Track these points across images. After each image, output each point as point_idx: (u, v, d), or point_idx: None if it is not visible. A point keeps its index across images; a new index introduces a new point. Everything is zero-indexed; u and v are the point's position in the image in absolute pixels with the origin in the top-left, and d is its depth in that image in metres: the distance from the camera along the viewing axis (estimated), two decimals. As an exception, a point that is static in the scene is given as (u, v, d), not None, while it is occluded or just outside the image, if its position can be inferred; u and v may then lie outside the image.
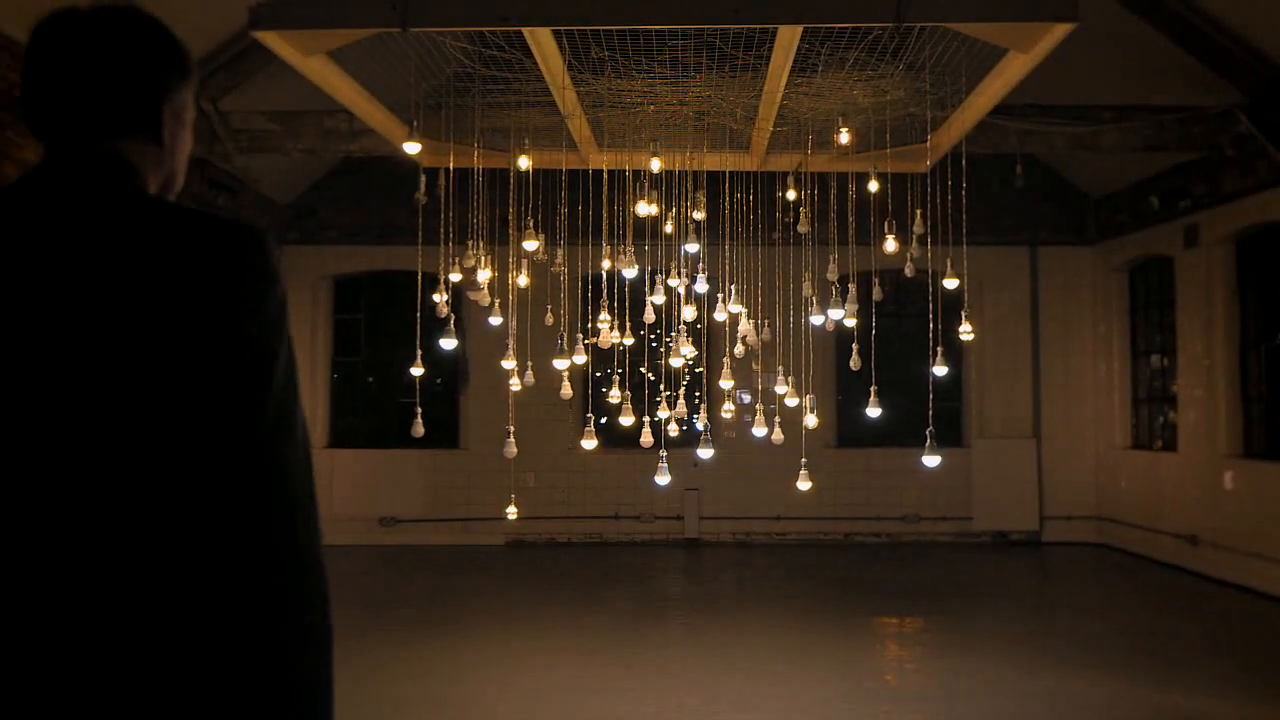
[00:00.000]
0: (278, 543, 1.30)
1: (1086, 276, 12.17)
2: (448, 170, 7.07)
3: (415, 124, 5.07)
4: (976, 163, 6.53)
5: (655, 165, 5.72)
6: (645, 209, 5.20)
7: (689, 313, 6.05)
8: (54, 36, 1.42)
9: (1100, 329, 12.04)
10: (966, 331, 5.76)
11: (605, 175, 7.32)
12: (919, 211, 6.46)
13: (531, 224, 5.48)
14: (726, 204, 7.53)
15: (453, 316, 5.76)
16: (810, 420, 5.88)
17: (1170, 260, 10.67)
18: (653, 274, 6.84)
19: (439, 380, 12.55)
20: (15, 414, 1.27)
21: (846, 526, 12.00)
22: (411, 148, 5.17)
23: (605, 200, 7.15)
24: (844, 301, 5.60)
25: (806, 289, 6.69)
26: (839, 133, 5.48)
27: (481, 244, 7.05)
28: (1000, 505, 11.86)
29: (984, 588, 9.89)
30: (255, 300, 1.34)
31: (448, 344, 5.65)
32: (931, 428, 4.82)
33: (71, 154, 1.40)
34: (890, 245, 5.58)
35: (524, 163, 5.69)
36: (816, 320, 6.46)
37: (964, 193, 6.80)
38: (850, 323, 6.75)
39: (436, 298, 6.08)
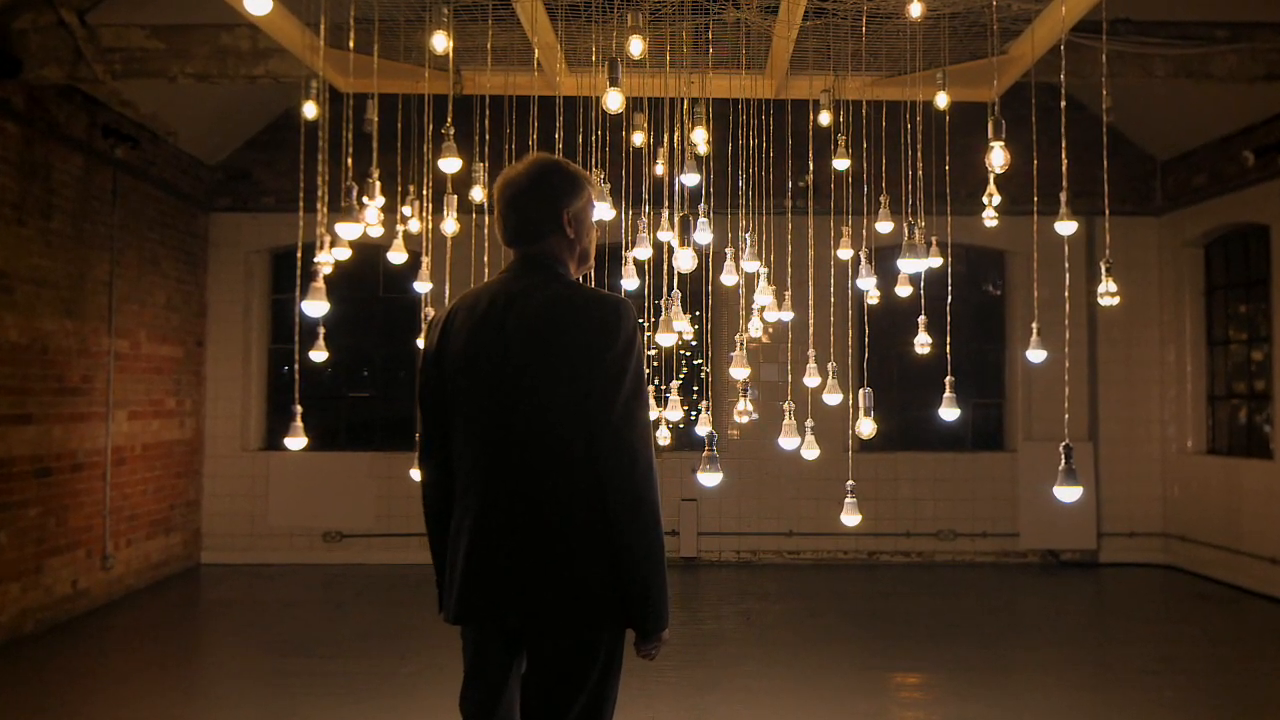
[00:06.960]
0: (623, 469, 2.51)
1: (1152, 252, 10.38)
2: (369, 97, 5.33)
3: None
4: (1019, 120, 4.87)
5: (636, 47, 3.96)
6: (616, 100, 3.46)
7: (685, 260, 4.23)
8: (504, 188, 2.72)
9: (1168, 314, 10.26)
10: (1110, 294, 3.99)
11: (560, 102, 5.51)
12: (1000, 143, 4.69)
13: (453, 132, 3.72)
14: (743, 137, 5.75)
15: (320, 274, 4.02)
16: (866, 427, 4.08)
17: (1264, 230, 8.90)
18: (635, 227, 5.08)
19: (402, 374, 10.76)
20: (507, 381, 2.56)
21: (871, 544, 10.22)
22: (258, 5, 3.42)
23: (562, 116, 5.34)
24: (915, 251, 3.83)
25: (844, 246, 4.91)
26: (909, 4, 3.75)
27: (411, 190, 5.30)
28: (1051, 519, 10.06)
29: (1035, 625, 8.12)
30: (614, 341, 2.53)
31: (313, 309, 3.90)
32: (1068, 441, 3.04)
33: (523, 255, 2.70)
34: (997, 156, 3.80)
35: (440, 42, 3.92)
36: (865, 283, 4.68)
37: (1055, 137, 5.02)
38: (904, 291, 4.99)
39: (321, 255, 4.33)
